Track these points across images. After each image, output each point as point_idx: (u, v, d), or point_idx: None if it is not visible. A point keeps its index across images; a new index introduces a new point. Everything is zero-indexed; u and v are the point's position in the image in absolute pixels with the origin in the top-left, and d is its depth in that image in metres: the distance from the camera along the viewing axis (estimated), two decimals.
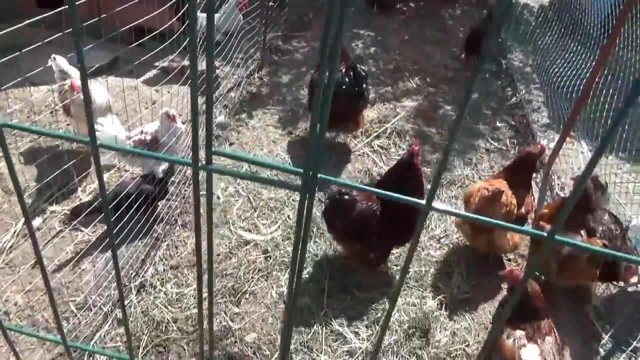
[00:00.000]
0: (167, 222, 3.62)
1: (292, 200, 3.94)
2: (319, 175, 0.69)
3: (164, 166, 3.48)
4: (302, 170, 0.70)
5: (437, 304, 3.25)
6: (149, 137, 3.54)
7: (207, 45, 0.66)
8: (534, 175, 4.56)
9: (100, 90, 3.90)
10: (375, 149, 4.68)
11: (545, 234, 0.70)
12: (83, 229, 3.46)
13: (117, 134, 3.55)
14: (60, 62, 3.99)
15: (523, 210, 3.39)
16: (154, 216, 3.51)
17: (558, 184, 4.40)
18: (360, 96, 4.30)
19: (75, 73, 3.96)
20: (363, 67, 4.38)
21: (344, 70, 4.30)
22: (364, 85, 4.29)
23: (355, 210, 3.20)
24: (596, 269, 3.12)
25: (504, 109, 5.66)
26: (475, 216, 0.78)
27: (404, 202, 0.74)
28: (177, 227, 3.64)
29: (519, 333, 2.48)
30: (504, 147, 5.03)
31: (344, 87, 4.21)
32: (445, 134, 5.01)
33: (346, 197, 3.20)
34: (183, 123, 3.84)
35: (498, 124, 5.35)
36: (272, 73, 5.74)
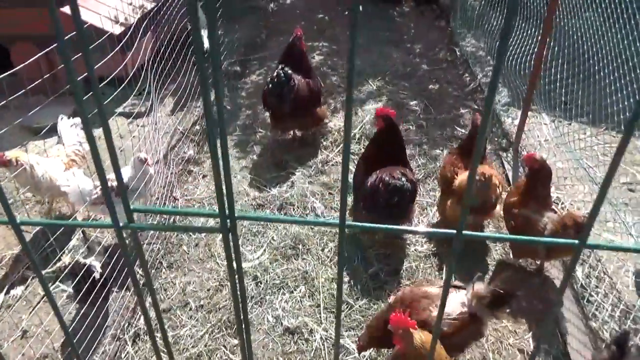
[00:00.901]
0: (152, 266, 3.58)
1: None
2: (236, 214, 0.71)
3: (98, 267, 3.25)
4: (217, 212, 0.71)
5: None
6: (115, 184, 3.51)
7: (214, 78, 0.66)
8: (505, 154, 4.67)
9: (46, 165, 3.69)
10: None
11: (577, 242, 0.73)
12: (66, 288, 3.39)
13: (85, 186, 3.50)
14: (60, 125, 3.96)
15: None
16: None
17: None
18: (280, 97, 4.46)
19: (66, 139, 3.92)
20: (287, 70, 4.48)
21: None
22: (285, 88, 4.44)
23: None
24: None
25: (465, 95, 5.77)
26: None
27: None
28: (163, 270, 3.60)
29: None
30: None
31: (266, 87, 4.52)
32: (414, 129, 5.08)
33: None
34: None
35: (462, 111, 5.45)
36: (233, 99, 5.76)
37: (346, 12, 7.67)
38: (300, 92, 4.53)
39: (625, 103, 4.15)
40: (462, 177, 3.57)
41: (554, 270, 3.48)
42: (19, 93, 3.08)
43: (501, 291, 2.43)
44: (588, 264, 3.46)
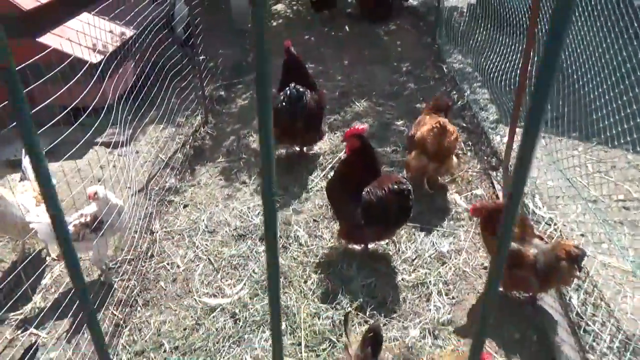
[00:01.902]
0: (126, 304, 3.41)
1: (255, 252, 3.78)
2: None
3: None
4: None
5: (420, 332, 3.10)
6: (88, 219, 3.36)
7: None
8: (494, 173, 4.53)
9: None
10: None
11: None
12: (37, 332, 3.22)
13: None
14: (24, 161, 3.84)
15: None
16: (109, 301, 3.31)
17: None
18: (293, 115, 4.48)
19: (30, 174, 3.79)
20: (298, 87, 4.53)
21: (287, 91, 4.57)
22: (298, 105, 4.50)
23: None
24: (577, 268, 2.99)
25: (453, 113, 5.64)
26: None
27: None
28: (139, 308, 3.43)
29: None
30: (460, 151, 4.98)
31: (279, 106, 4.48)
32: (400, 150, 4.95)
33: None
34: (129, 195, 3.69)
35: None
36: (217, 125, 5.65)
37: (332, 33, 7.62)
38: (310, 108, 4.60)
39: (616, 116, 4.02)
40: (422, 129, 4.11)
41: (548, 298, 3.31)
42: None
43: None
44: (583, 289, 3.29)
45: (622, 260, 3.41)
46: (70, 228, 3.39)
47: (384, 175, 3.71)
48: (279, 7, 9.29)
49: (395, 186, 3.41)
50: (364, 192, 3.48)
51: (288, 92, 4.55)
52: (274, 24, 8.71)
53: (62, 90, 3.45)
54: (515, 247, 3.02)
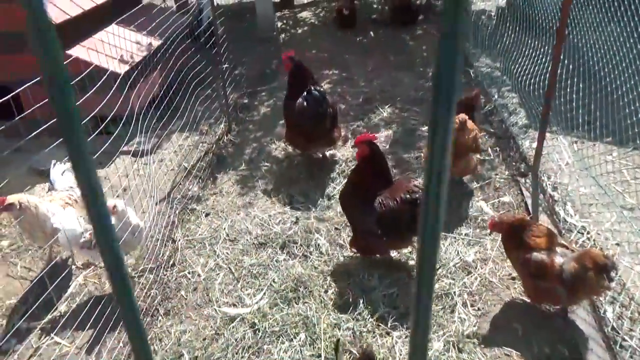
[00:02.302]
0: (147, 313, 3.42)
1: (275, 261, 3.75)
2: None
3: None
4: None
5: (444, 345, 2.98)
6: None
7: None
8: (523, 179, 4.37)
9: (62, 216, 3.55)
10: None
11: None
12: (60, 340, 3.27)
13: (72, 227, 3.40)
14: (52, 172, 3.94)
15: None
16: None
17: (549, 185, 4.18)
18: (321, 116, 4.56)
19: (58, 185, 3.89)
20: (318, 88, 4.62)
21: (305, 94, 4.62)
22: (324, 104, 4.59)
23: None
24: (607, 278, 2.81)
25: (480, 118, 5.50)
26: None
27: None
28: (160, 317, 3.44)
29: None
30: (488, 157, 4.84)
31: (306, 106, 4.54)
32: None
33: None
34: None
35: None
36: (240, 133, 5.67)
37: (357, 39, 7.57)
38: (333, 106, 4.74)
39: None
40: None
41: (581, 311, 3.14)
42: (29, 136, 3.02)
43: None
44: (619, 302, 3.11)
45: None
46: (87, 235, 3.41)
47: (398, 181, 3.63)
48: (304, 14, 9.33)
49: (408, 195, 3.33)
50: (375, 203, 3.40)
51: (311, 93, 4.57)
52: (299, 31, 8.74)
53: (83, 99, 3.50)
54: (539, 257, 2.88)
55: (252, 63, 7.29)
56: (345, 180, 3.76)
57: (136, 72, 4.78)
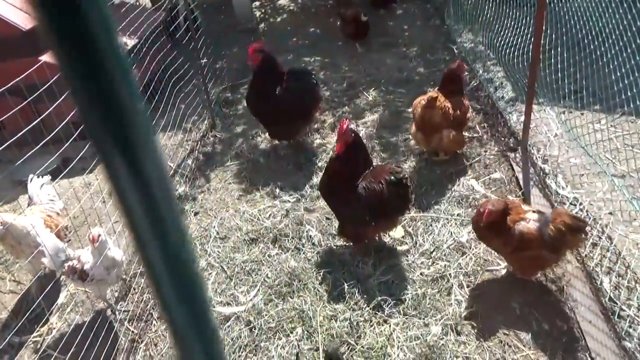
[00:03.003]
0: (141, 318, 3.37)
1: (268, 256, 3.69)
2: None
3: None
4: None
5: (442, 329, 2.95)
6: (78, 266, 3.13)
7: None
8: (513, 154, 4.32)
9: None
10: None
11: None
12: (53, 352, 3.20)
13: (56, 254, 3.25)
14: (30, 186, 3.81)
15: (458, 112, 4.11)
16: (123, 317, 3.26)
17: (539, 158, 4.13)
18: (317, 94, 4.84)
19: (37, 199, 3.76)
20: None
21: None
22: (318, 84, 4.92)
23: None
24: (584, 236, 2.92)
25: (466, 95, 5.42)
26: None
27: None
28: (153, 322, 3.38)
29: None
30: (476, 134, 4.78)
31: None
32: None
33: None
34: None
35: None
36: (225, 128, 5.57)
37: (337, 24, 7.43)
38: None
39: None
40: (415, 101, 4.28)
41: (577, 283, 3.11)
42: (4, 145, 2.91)
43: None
44: (615, 272, 3.08)
45: None
46: (64, 268, 3.25)
47: (377, 167, 3.61)
48: (283, 1, 9.17)
49: (392, 177, 3.30)
50: (360, 188, 3.36)
51: (301, 78, 4.78)
52: (279, 19, 8.59)
53: (55, 105, 3.39)
54: (517, 230, 2.89)
55: (233, 56, 7.16)
56: (324, 171, 3.65)
57: None
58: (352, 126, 3.44)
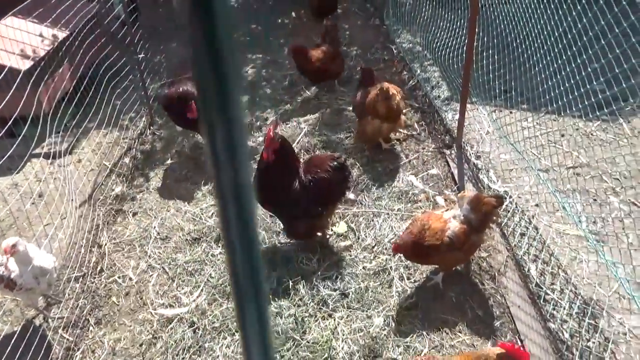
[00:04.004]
0: (76, 325, 3.22)
1: (211, 256, 3.64)
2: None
3: None
4: None
5: (384, 320, 3.05)
6: (4, 274, 2.91)
7: None
8: (448, 151, 4.51)
9: None
10: None
11: None
12: None
13: None
14: None
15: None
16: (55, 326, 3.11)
17: (472, 154, 4.35)
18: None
19: None
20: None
21: None
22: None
23: None
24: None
25: (405, 94, 5.60)
26: None
27: None
28: (91, 327, 3.25)
29: None
30: (414, 132, 4.95)
31: None
32: (352, 137, 4.87)
33: None
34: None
35: (404, 110, 5.27)
36: (164, 125, 5.41)
37: (279, 21, 7.42)
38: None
39: (563, 86, 4.03)
40: (370, 95, 4.36)
41: (508, 271, 3.32)
42: None
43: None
44: (541, 259, 3.31)
45: (575, 227, 3.45)
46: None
47: (313, 158, 3.66)
48: None
49: (335, 163, 3.41)
50: (306, 182, 3.39)
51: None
52: None
53: None
54: (450, 236, 2.97)
55: (171, 50, 6.96)
56: (254, 179, 3.42)
57: (40, 67, 4.41)
58: (278, 130, 3.34)
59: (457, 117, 4.56)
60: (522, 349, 2.18)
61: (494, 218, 3.21)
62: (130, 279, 3.54)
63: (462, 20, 5.37)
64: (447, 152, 4.54)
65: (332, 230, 3.76)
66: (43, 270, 2.97)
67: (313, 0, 7.39)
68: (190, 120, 4.50)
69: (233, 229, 0.51)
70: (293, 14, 8.08)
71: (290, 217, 3.53)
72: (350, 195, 4.10)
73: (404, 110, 4.55)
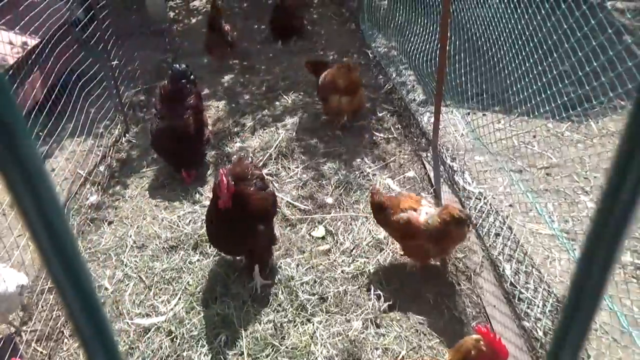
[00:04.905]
0: (50, 338, 3.15)
1: (189, 263, 3.61)
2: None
3: None
4: None
5: (363, 324, 3.07)
6: None
7: None
8: (424, 154, 4.57)
9: None
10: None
11: None
12: None
13: None
14: None
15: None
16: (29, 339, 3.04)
17: (448, 156, 4.41)
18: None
19: None
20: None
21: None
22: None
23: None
24: (468, 229, 3.18)
25: (381, 98, 5.66)
26: None
27: None
28: (65, 340, 3.18)
29: None
30: (391, 135, 5.00)
31: None
32: (331, 142, 4.90)
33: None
34: None
35: (379, 114, 5.33)
36: (140, 132, 5.35)
37: (255, 26, 7.42)
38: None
39: (535, 86, 4.11)
40: (329, 75, 4.87)
41: (484, 272, 3.37)
42: None
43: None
44: (515, 259, 3.38)
45: (548, 226, 3.53)
46: None
47: (236, 171, 3.35)
48: (197, 3, 8.97)
49: (256, 180, 3.40)
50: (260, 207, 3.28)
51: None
52: (193, 20, 8.40)
53: None
54: (406, 217, 3.14)
55: (145, 57, 6.88)
56: (214, 227, 3.28)
57: (9, 75, 4.32)
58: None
59: (432, 120, 4.62)
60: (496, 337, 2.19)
61: (455, 235, 3.09)
62: (106, 288, 3.48)
63: (435, 25, 5.45)
64: (423, 154, 4.60)
65: (310, 234, 3.77)
66: (12, 296, 2.86)
67: (271, 22, 7.15)
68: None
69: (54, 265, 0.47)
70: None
71: (256, 252, 3.37)
72: (329, 199, 4.12)
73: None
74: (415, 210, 3.16)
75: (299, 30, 7.18)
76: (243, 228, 3.13)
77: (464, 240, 3.27)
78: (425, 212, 3.14)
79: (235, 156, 4.67)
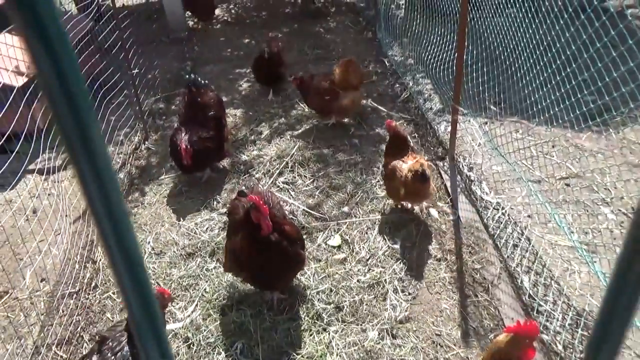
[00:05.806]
0: (70, 342, 3.20)
1: (206, 270, 3.64)
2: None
3: None
4: None
5: (379, 334, 3.05)
6: None
7: None
8: (441, 163, 4.55)
9: None
10: (281, 187, 4.48)
11: None
12: None
13: None
14: None
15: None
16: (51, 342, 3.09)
17: (465, 166, 4.39)
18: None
19: None
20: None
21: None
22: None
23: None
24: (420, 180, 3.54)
25: (398, 106, 5.67)
26: None
27: None
28: (85, 344, 3.23)
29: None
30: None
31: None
32: (347, 149, 4.91)
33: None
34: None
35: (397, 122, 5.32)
36: (159, 140, 5.43)
37: (270, 34, 7.49)
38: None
39: (554, 96, 4.07)
40: (337, 71, 5.19)
41: (502, 284, 3.34)
42: None
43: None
44: (533, 271, 3.34)
45: (567, 238, 3.48)
46: None
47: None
48: (217, 11, 9.10)
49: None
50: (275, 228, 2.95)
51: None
52: (212, 29, 8.52)
53: None
54: (392, 165, 3.76)
55: (165, 65, 7.01)
56: (254, 262, 3.01)
57: (34, 83, 4.42)
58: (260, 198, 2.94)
59: (449, 129, 4.60)
60: (527, 323, 2.15)
61: (417, 187, 3.57)
62: None
63: (452, 34, 5.44)
64: (440, 164, 4.58)
65: (326, 243, 3.78)
66: None
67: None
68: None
69: (115, 255, 0.50)
70: (285, 29, 8.16)
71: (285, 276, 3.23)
72: (345, 208, 4.12)
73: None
74: (404, 161, 3.73)
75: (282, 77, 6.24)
76: (289, 255, 2.97)
77: (426, 193, 3.65)
78: (409, 163, 3.68)
79: (244, 186, 4.29)
